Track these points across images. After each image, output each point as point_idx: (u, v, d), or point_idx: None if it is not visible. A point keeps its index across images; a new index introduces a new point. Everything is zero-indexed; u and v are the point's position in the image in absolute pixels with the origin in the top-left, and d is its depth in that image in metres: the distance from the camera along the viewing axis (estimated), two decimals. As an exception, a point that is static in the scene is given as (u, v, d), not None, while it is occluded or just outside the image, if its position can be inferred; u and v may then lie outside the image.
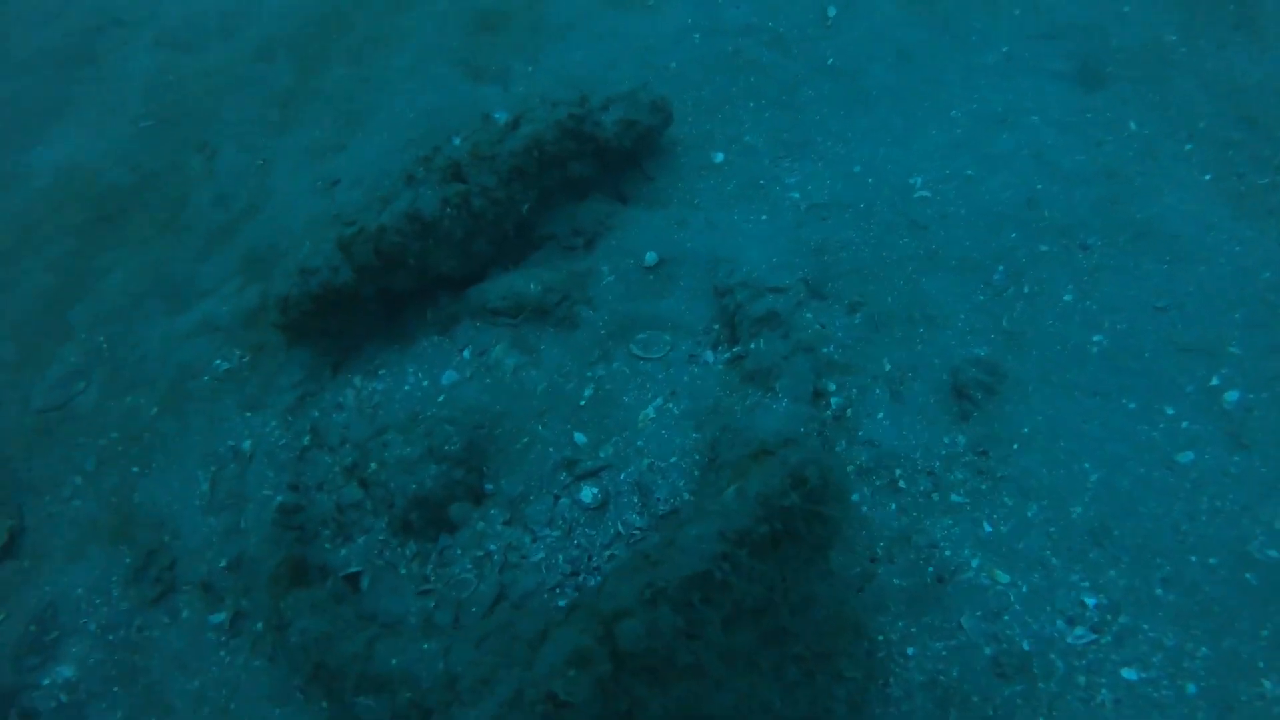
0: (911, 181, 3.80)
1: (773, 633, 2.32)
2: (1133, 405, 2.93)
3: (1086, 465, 2.84)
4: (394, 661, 2.79)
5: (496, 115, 4.15)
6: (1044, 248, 3.38)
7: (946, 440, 3.02)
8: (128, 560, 3.74)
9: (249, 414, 3.98)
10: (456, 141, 4.10)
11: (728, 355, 3.54)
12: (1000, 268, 3.38)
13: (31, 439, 4.34)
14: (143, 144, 5.63)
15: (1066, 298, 3.22)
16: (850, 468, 3.02)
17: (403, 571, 3.39)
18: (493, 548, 3.29)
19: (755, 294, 3.64)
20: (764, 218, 4.02)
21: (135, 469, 4.02)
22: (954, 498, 2.90)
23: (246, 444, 3.88)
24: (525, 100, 4.82)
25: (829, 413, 3.20)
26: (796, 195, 4.04)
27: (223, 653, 3.47)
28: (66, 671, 3.53)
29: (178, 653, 3.49)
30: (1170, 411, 2.91)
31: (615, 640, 1.98)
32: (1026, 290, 3.29)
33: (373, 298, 4.01)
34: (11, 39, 6.93)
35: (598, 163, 4.28)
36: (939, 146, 3.91)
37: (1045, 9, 4.33)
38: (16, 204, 5.59)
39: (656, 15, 5.11)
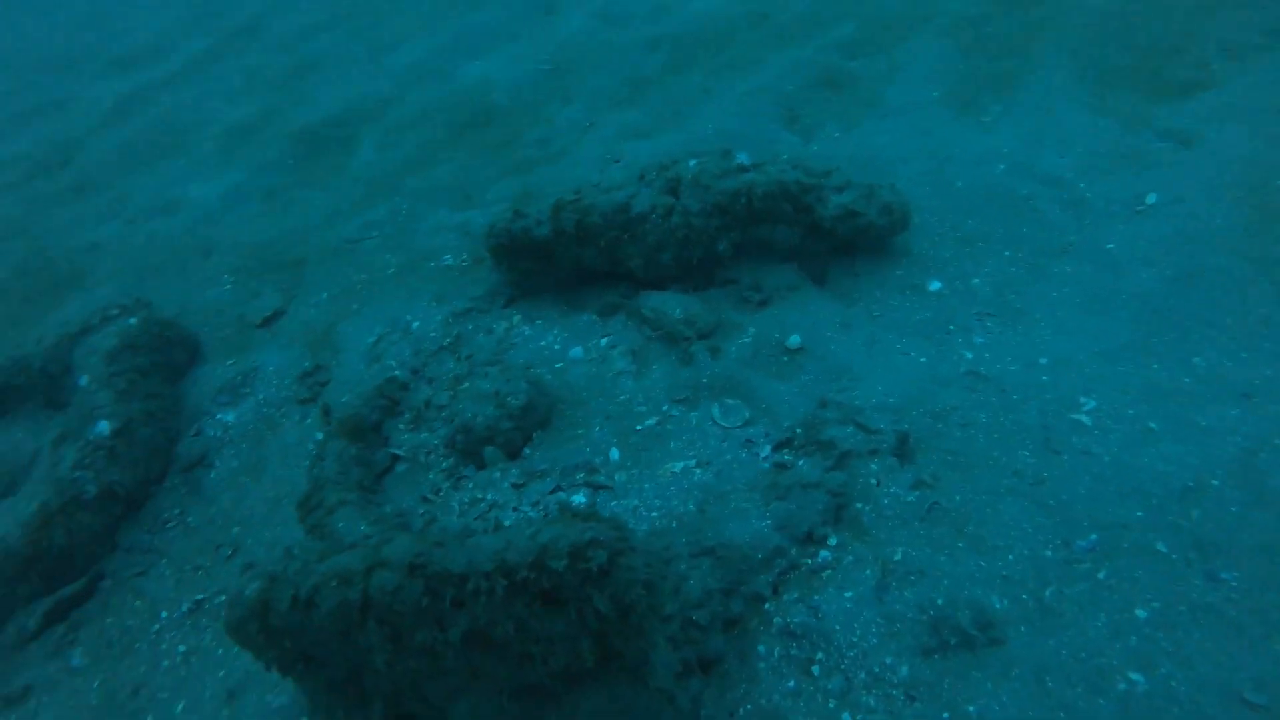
0: (1081, 400, 3.20)
1: (531, 687, 2.33)
2: (1117, 767, 2.25)
3: (1004, 786, 2.27)
4: (340, 525, 3.27)
5: (740, 156, 4.30)
6: (1161, 547, 2.66)
7: (889, 660, 2.61)
8: (305, 364, 4.72)
9: (434, 304, 4.72)
10: (692, 164, 4.34)
11: (778, 459, 3.38)
12: (1093, 537, 2.74)
13: (328, 255, 5.61)
14: (531, 82, 6.74)
15: (1140, 613, 2.52)
16: (779, 620, 2.77)
17: (430, 477, 3.86)
18: (487, 498, 3.60)
19: (843, 420, 3.40)
20: (922, 360, 3.68)
21: (354, 305, 5.02)
22: (845, 716, 2.52)
23: (415, 324, 4.63)
24: (810, 157, 4.87)
25: (808, 563, 2.94)
26: (969, 355, 3.62)
27: (306, 461, 4.26)
28: (230, 416, 4.60)
29: (287, 444, 4.36)
30: (1159, 806, 2.18)
31: (369, 580, 2.19)
32: (1101, 576, 2.64)
33: (563, 260, 4.46)
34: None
35: (811, 236, 4.23)
36: (1145, 383, 3.21)
37: None
38: (434, 96, 7.08)
39: (978, 132, 4.78)
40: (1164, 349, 3.34)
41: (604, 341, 4.29)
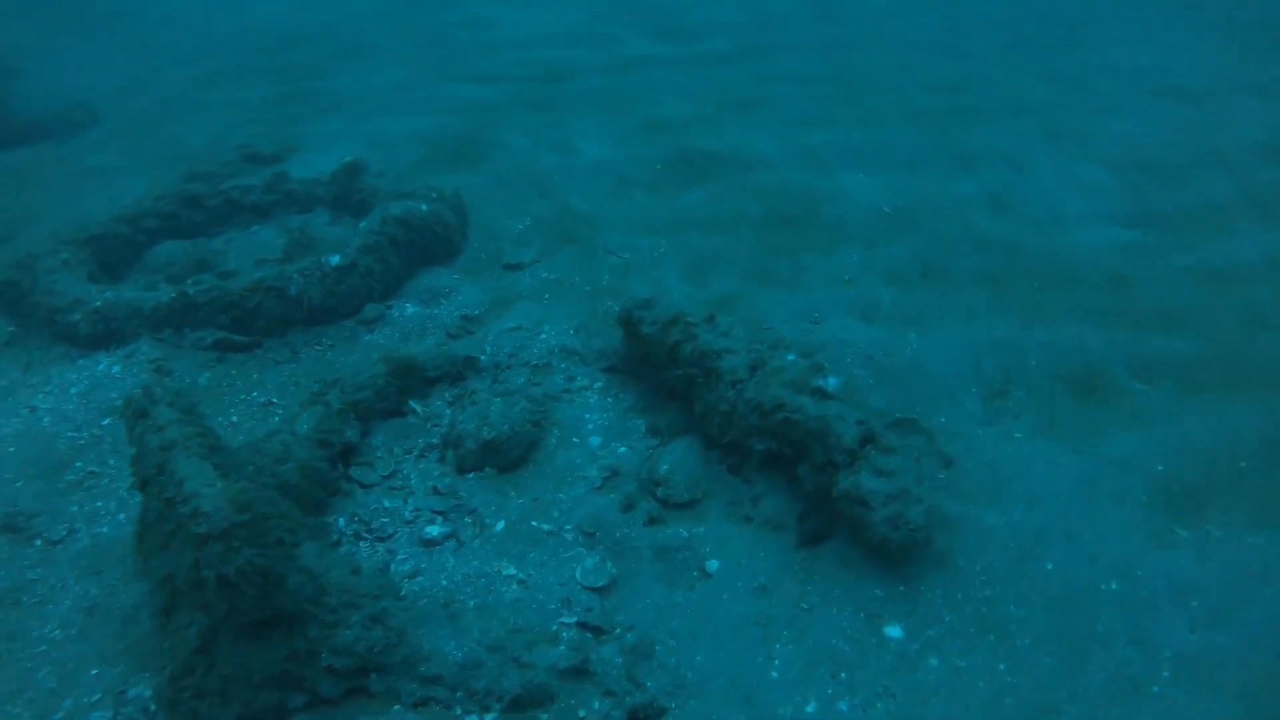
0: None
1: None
2: None
3: None
4: (304, 414, 4.19)
5: (830, 379, 4.04)
6: None
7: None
8: (476, 311, 5.69)
9: (569, 330, 5.32)
10: (789, 358, 4.19)
11: (564, 632, 3.43)
12: None
13: (585, 248, 6.45)
14: (864, 214, 6.70)
15: None
16: (380, 724, 3.00)
17: (416, 440, 4.56)
18: (411, 481, 4.23)
19: (626, 652, 3.33)
20: (773, 675, 3.32)
21: (546, 295, 5.82)
22: None
23: (543, 335, 5.30)
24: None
25: (457, 711, 3.07)
26: (810, 709, 3.18)
27: (407, 370, 5.26)
28: (410, 310, 5.77)
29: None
30: None
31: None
32: None
33: (654, 365, 4.71)
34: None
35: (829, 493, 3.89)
36: None
37: None
38: (790, 180, 7.37)
39: (1141, 540, 3.75)
40: None
41: (622, 449, 4.50)
